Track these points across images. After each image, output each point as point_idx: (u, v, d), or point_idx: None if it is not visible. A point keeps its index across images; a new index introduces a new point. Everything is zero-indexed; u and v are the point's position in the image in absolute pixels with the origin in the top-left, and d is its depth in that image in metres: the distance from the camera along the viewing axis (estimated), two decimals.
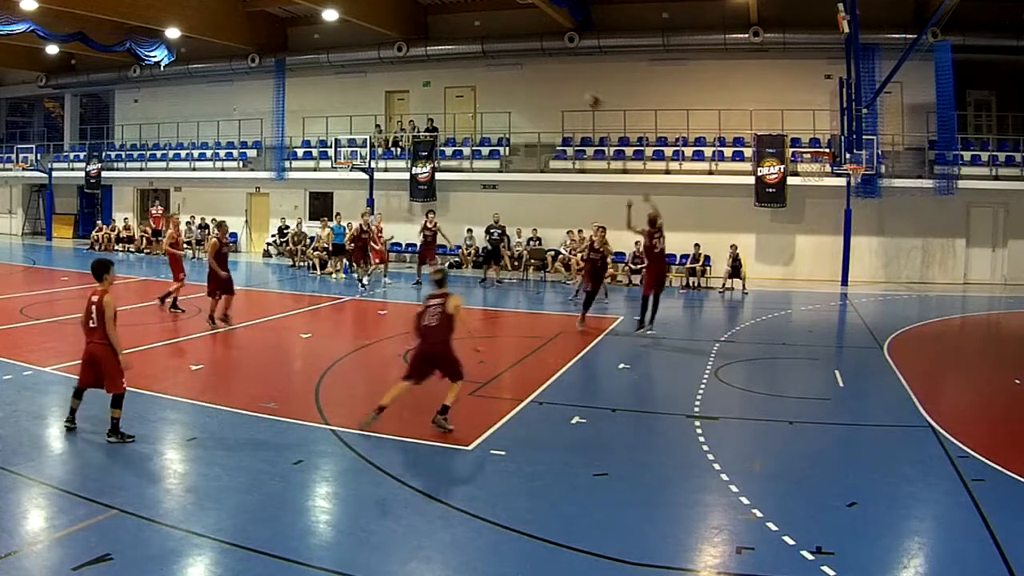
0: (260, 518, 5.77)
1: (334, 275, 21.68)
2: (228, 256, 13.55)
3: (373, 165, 24.87)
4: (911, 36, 20.40)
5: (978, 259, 21.98)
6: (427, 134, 25.41)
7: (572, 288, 18.29)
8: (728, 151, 23.08)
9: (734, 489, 6.39)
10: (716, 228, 21.73)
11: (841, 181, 20.84)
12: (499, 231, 21.91)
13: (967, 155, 21.58)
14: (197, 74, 29.83)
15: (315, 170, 26.76)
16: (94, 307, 7.21)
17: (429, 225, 20.09)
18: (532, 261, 22.90)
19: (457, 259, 24.12)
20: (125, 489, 6.09)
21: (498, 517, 5.78)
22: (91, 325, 7.24)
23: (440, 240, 20.49)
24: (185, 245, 26.50)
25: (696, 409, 8.84)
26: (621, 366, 11.10)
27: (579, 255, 21.98)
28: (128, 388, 8.98)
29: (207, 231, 27.17)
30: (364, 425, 7.68)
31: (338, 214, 23.10)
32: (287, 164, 27.30)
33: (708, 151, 23.19)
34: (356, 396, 9.67)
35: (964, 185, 20.96)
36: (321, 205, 27.02)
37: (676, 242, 21.40)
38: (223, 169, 28.39)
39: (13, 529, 5.40)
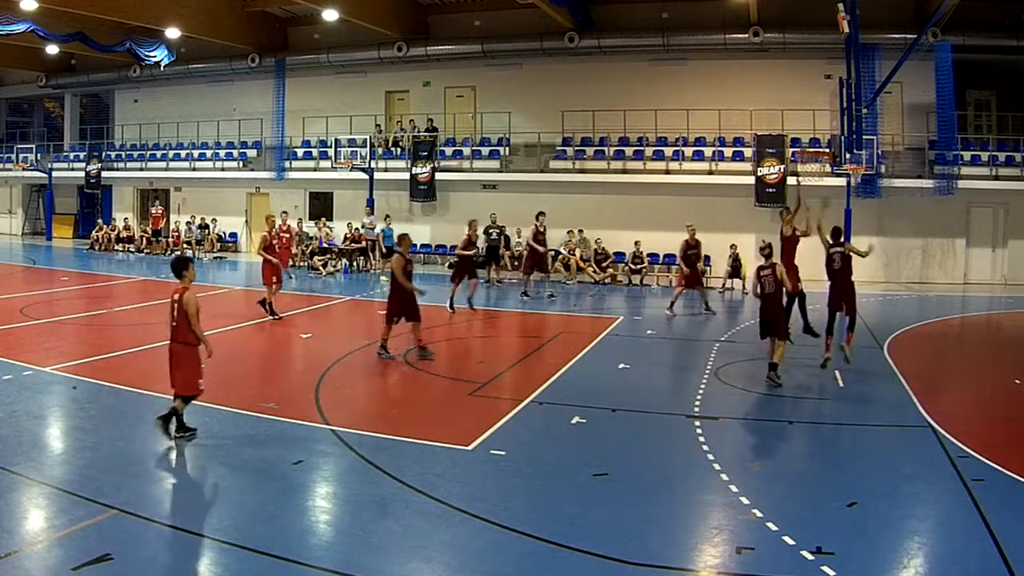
0: (260, 518, 5.76)
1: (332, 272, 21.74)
2: (412, 275, 11.43)
3: (373, 165, 24.87)
4: (911, 36, 20.39)
5: (978, 259, 21.97)
6: (427, 134, 25.42)
7: (671, 296, 16.74)
8: (728, 151, 23.08)
9: (734, 489, 6.40)
10: (716, 228, 21.70)
11: (841, 181, 20.84)
12: (498, 231, 21.89)
13: (967, 155, 21.56)
14: (197, 74, 29.83)
15: (315, 170, 26.75)
16: (175, 306, 7.19)
17: (541, 228, 18.16)
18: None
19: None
20: (125, 489, 6.09)
21: (498, 517, 5.78)
22: (173, 324, 7.21)
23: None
24: (185, 245, 26.71)
25: (696, 409, 8.84)
26: (621, 366, 11.10)
27: (579, 255, 22.07)
28: (129, 388, 9.05)
29: (207, 231, 27.21)
30: (773, 383, 9.54)
31: (388, 216, 23.19)
32: (287, 164, 27.31)
33: (708, 151, 23.19)
34: (356, 396, 9.68)
35: (964, 185, 20.95)
36: (321, 205, 27.06)
37: (676, 242, 21.36)
38: (223, 169, 28.38)
39: (13, 529, 5.40)
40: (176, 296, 7.20)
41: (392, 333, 11.15)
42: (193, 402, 7.40)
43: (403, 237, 11.54)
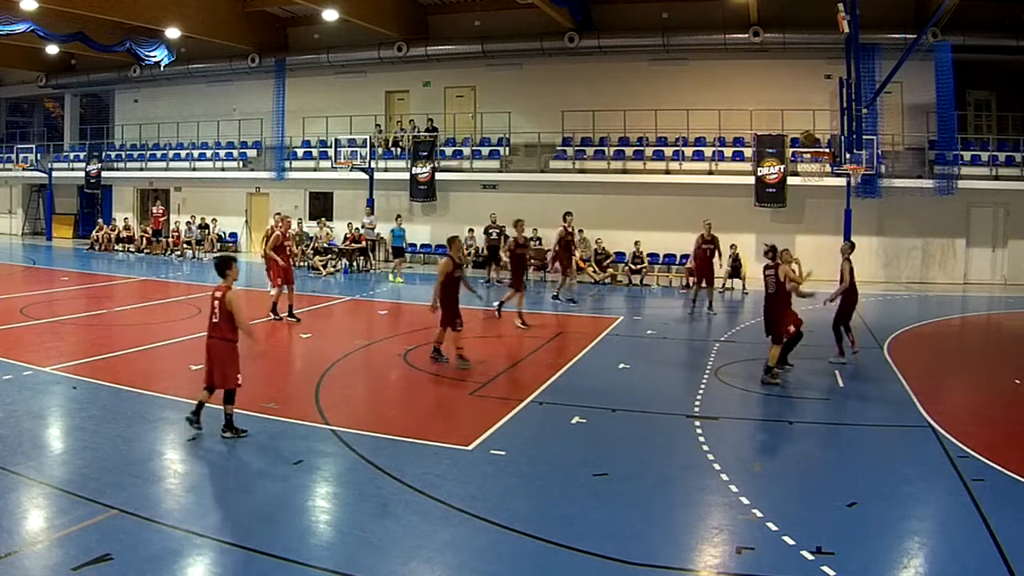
0: (260, 518, 5.77)
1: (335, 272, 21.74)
2: (460, 280, 10.95)
3: (373, 165, 24.87)
4: (911, 36, 20.39)
5: (978, 259, 21.97)
6: (427, 134, 25.42)
7: (688, 296, 17.07)
8: (728, 151, 23.09)
9: (734, 489, 6.40)
10: (716, 228, 21.57)
11: (841, 181, 20.84)
12: (497, 231, 21.91)
13: (967, 155, 21.58)
14: (197, 74, 29.84)
15: (315, 170, 26.76)
16: (217, 303, 7.34)
17: (569, 229, 17.36)
18: (532, 261, 22.87)
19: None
20: (125, 489, 6.09)
21: (498, 517, 5.78)
22: (213, 320, 7.36)
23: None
24: (185, 245, 26.70)
25: (696, 409, 8.84)
26: (621, 366, 11.10)
27: (579, 255, 22.04)
28: (129, 388, 9.06)
29: (207, 231, 27.19)
30: (770, 383, 9.65)
31: (399, 216, 23.02)
32: (287, 164, 27.31)
33: (708, 151, 23.19)
34: (356, 396, 9.68)
35: (964, 185, 20.97)
36: (321, 205, 27.06)
37: (676, 242, 21.48)
38: (223, 169, 28.39)
39: (13, 529, 5.40)
40: (219, 294, 7.35)
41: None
42: (193, 401, 7.41)
43: (454, 240, 11.07)
